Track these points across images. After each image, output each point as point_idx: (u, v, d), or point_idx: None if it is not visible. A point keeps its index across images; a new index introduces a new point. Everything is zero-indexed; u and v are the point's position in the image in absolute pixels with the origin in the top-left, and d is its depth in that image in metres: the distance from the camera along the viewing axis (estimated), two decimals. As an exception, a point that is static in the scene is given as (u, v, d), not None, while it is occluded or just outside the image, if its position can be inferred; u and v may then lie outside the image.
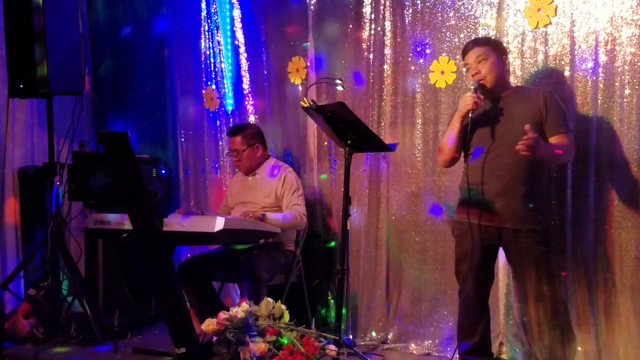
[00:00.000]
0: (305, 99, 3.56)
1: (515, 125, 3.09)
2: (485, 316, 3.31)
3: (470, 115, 3.12)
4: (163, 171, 4.79)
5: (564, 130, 3.11)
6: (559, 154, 3.10)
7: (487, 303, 3.33)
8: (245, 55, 4.60)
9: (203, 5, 4.70)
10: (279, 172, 4.07)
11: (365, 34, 4.09)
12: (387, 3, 4.00)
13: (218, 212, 4.33)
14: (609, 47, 3.37)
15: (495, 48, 3.21)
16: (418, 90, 3.94)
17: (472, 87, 3.17)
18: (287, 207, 3.98)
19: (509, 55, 3.42)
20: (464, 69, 3.34)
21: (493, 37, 3.50)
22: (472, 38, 3.70)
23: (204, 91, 4.76)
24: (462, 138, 3.20)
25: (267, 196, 4.03)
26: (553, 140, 3.10)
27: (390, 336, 4.00)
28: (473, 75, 3.18)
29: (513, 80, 3.49)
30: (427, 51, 3.89)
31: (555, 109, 3.12)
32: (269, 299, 3.14)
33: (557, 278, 3.19)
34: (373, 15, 4.06)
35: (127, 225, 3.31)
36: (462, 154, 3.30)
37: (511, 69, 3.49)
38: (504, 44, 3.38)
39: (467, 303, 3.28)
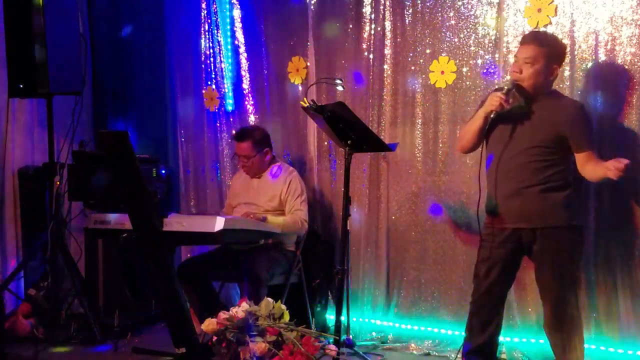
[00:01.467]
0: (305, 99, 3.56)
1: (535, 130, 3.06)
2: (498, 318, 3.25)
3: (492, 115, 3.09)
4: (163, 171, 4.78)
5: (589, 147, 3.04)
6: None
7: (502, 307, 3.27)
8: (245, 55, 4.60)
9: (203, 5, 4.70)
10: (284, 175, 4.04)
11: (365, 34, 4.09)
12: (387, 3, 3.99)
13: (223, 211, 4.32)
14: (609, 47, 3.38)
15: (549, 53, 3.05)
16: (418, 90, 3.94)
17: (505, 88, 3.09)
18: (289, 211, 3.97)
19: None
20: (514, 58, 3.22)
21: (556, 38, 3.24)
22: (473, 38, 3.71)
23: (204, 91, 4.76)
24: (482, 133, 3.17)
25: (271, 199, 4.01)
26: (579, 156, 3.04)
27: (390, 336, 4.00)
28: (514, 72, 3.10)
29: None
30: (427, 51, 3.89)
31: (585, 125, 3.07)
32: (269, 299, 3.14)
33: (577, 280, 3.14)
34: (373, 15, 4.06)
35: (127, 225, 3.31)
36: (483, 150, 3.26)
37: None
38: (561, 52, 3.16)
39: (481, 303, 3.22)
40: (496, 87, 3.35)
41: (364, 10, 4.09)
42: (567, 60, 3.46)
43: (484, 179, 3.22)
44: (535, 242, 3.09)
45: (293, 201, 3.97)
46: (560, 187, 3.08)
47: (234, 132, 4.61)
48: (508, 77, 3.40)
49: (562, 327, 3.08)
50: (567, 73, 3.48)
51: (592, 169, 3.02)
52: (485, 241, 3.20)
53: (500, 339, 3.60)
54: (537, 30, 3.43)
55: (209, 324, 3.05)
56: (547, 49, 3.06)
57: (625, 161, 2.83)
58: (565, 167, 3.12)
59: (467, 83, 3.77)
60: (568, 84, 3.47)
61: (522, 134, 3.10)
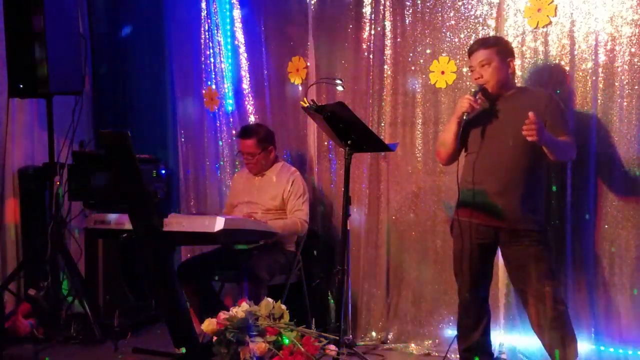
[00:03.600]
0: (305, 99, 3.56)
1: (513, 126, 3.09)
2: (485, 316, 3.31)
3: (465, 117, 3.14)
4: (163, 171, 4.78)
5: (565, 132, 3.12)
6: (562, 145, 3.09)
7: (487, 302, 3.34)
8: (245, 55, 4.60)
9: (203, 5, 4.70)
10: (287, 174, 4.05)
11: (365, 34, 4.09)
12: (387, 3, 3.99)
13: (224, 210, 4.32)
14: (609, 47, 3.38)
15: (500, 50, 3.18)
16: (418, 90, 3.94)
17: (472, 91, 3.19)
18: (291, 211, 3.97)
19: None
20: (469, 70, 3.34)
21: (499, 37, 3.45)
22: (474, 38, 3.71)
23: (204, 91, 4.76)
24: (458, 138, 3.21)
25: (273, 199, 4.01)
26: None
27: (390, 336, 4.00)
28: (476, 79, 3.19)
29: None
30: (427, 51, 3.89)
31: (557, 111, 3.13)
32: (269, 299, 3.14)
33: (555, 279, 3.17)
34: (373, 15, 4.05)
35: (127, 225, 3.31)
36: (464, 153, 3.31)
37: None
38: (509, 45, 3.33)
39: (466, 302, 3.29)
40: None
41: (364, 10, 4.09)
42: (567, 60, 3.48)
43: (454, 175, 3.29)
44: (514, 242, 3.14)
45: (295, 201, 3.97)
46: (536, 194, 3.17)
47: (233, 132, 4.62)
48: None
49: (551, 325, 3.10)
50: (567, 73, 3.47)
51: None
52: (461, 236, 3.23)
53: (501, 339, 3.62)
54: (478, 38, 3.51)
55: (209, 324, 3.05)
56: (496, 48, 3.18)
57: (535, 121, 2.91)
58: (542, 169, 3.21)
59: (467, 83, 3.77)
60: (568, 83, 3.47)
61: (501, 131, 3.15)
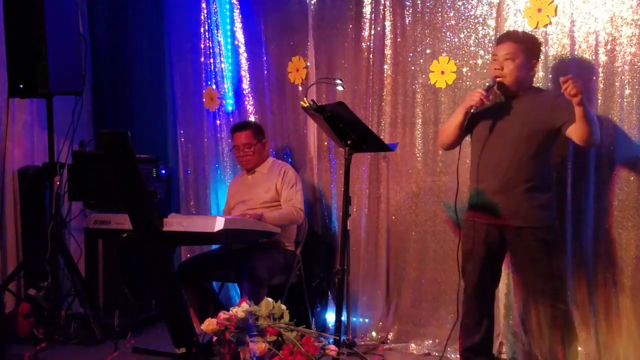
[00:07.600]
0: (305, 99, 3.56)
1: (521, 124, 3.09)
2: (489, 316, 3.30)
3: (472, 110, 3.13)
4: (163, 171, 4.78)
5: None
6: (596, 120, 2.99)
7: (492, 303, 3.33)
8: (245, 55, 4.60)
9: (203, 5, 4.70)
10: (279, 167, 4.12)
11: (365, 34, 4.09)
12: (387, 3, 3.99)
13: (223, 213, 4.34)
14: (609, 47, 3.38)
15: (527, 49, 3.13)
16: (418, 90, 3.94)
17: (486, 85, 3.17)
18: (285, 201, 4.01)
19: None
20: (491, 58, 3.28)
21: (531, 35, 3.33)
22: (473, 38, 3.72)
23: (204, 91, 4.76)
24: (462, 129, 3.21)
25: (267, 191, 4.05)
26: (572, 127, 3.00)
27: (390, 336, 4.00)
28: (495, 69, 3.15)
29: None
30: (427, 51, 3.89)
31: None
32: (269, 299, 3.14)
33: (558, 278, 3.17)
34: (373, 15, 4.06)
35: (127, 225, 3.30)
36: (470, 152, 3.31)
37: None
38: (537, 47, 3.23)
39: (471, 302, 3.28)
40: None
41: (364, 10, 4.09)
42: (567, 60, 3.47)
43: (462, 174, 3.30)
44: (520, 240, 3.13)
45: (288, 191, 4.01)
46: (544, 187, 3.14)
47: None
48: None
49: (553, 323, 3.11)
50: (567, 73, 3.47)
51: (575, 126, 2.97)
52: (468, 236, 3.23)
53: (501, 339, 3.62)
54: (510, 30, 3.47)
55: (209, 324, 3.04)
56: (524, 45, 3.14)
57: (565, 78, 2.80)
58: (548, 165, 3.19)
59: (467, 83, 3.77)
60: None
61: (508, 128, 3.13)
